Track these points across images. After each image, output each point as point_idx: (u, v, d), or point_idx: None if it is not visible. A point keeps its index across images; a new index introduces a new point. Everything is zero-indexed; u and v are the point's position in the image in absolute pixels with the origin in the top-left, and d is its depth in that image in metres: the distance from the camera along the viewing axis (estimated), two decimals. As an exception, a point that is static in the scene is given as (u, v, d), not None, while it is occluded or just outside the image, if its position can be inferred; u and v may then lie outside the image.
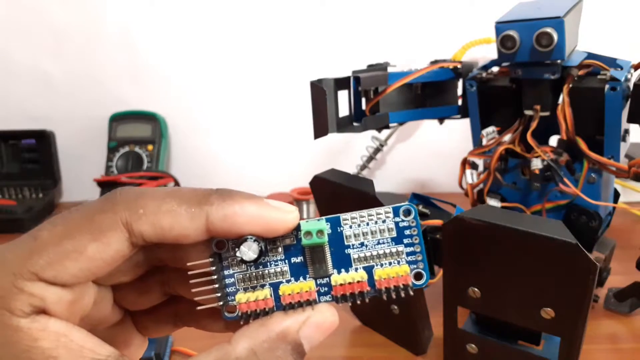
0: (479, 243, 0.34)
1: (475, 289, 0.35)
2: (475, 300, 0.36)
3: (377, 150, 0.78)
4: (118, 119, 0.83)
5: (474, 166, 0.52)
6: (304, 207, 0.75)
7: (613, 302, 0.49)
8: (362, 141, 0.77)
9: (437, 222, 0.41)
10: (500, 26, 0.44)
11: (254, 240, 0.19)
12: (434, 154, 0.83)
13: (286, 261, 0.20)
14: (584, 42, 0.48)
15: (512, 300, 0.34)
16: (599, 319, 0.48)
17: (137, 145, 0.82)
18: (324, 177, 0.44)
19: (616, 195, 0.51)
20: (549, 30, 0.42)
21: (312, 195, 0.49)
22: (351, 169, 0.78)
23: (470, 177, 0.51)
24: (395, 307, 0.44)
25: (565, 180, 0.44)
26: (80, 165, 0.88)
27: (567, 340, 0.33)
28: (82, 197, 0.88)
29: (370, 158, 0.78)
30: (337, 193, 0.44)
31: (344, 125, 0.46)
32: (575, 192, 0.44)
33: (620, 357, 0.44)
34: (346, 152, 0.81)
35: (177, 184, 0.82)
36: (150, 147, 0.82)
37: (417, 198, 0.46)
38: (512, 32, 0.43)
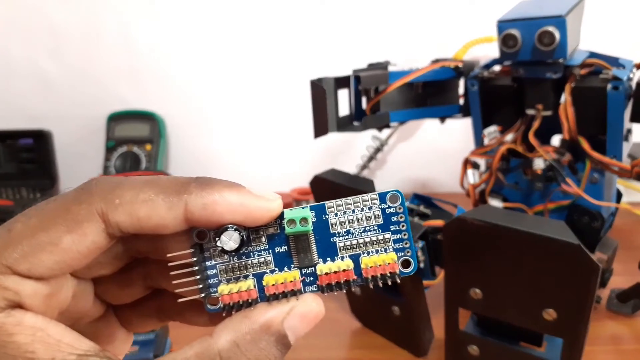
0: (481, 244, 0.33)
1: (477, 290, 0.35)
2: (477, 301, 0.35)
3: (378, 150, 0.77)
4: (116, 118, 0.83)
5: (475, 166, 0.52)
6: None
7: (615, 303, 0.49)
8: (362, 141, 0.77)
9: (439, 222, 0.41)
10: (502, 25, 0.43)
11: (235, 230, 0.19)
12: (435, 153, 0.82)
13: (270, 251, 0.20)
14: (586, 41, 0.48)
15: (514, 301, 0.34)
16: (602, 320, 0.48)
17: (135, 145, 0.82)
18: (324, 177, 0.44)
19: (619, 195, 0.51)
20: (550, 29, 0.41)
21: (312, 195, 0.49)
22: (351, 169, 0.78)
23: (472, 177, 0.50)
24: (396, 308, 0.44)
25: (568, 180, 0.44)
26: (78, 165, 0.87)
27: (569, 342, 0.33)
28: (80, 197, 0.87)
29: (371, 158, 0.78)
30: (337, 193, 0.44)
31: (344, 125, 0.46)
32: (578, 192, 0.44)
33: (622, 359, 0.43)
34: (346, 151, 0.81)
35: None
36: (148, 146, 0.82)
37: (418, 198, 0.45)
38: (513, 31, 0.43)
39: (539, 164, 0.45)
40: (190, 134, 0.87)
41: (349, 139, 0.80)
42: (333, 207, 0.20)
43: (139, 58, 0.83)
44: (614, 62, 0.44)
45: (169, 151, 0.87)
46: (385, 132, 0.73)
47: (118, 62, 0.84)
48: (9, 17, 0.82)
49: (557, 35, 0.41)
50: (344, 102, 0.46)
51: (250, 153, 0.87)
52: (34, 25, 0.82)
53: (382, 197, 0.20)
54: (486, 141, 0.50)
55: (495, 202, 0.49)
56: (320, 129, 0.44)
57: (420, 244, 0.42)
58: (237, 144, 0.87)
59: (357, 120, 0.47)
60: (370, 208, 0.20)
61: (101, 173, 0.80)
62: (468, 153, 0.52)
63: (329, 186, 0.44)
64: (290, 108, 0.83)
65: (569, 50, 0.43)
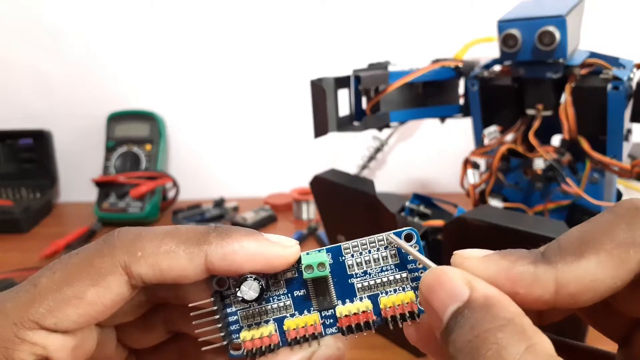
0: (481, 244, 0.33)
1: (477, 291, 0.35)
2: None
3: (378, 149, 0.77)
4: (116, 118, 0.83)
5: (475, 166, 0.52)
6: (304, 207, 0.75)
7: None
8: (362, 141, 0.77)
9: (439, 222, 0.41)
10: (503, 24, 0.43)
11: (254, 279, 0.19)
12: (435, 153, 0.82)
13: (289, 295, 0.20)
14: (586, 41, 0.48)
15: (515, 301, 0.34)
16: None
17: (135, 145, 0.82)
18: (324, 177, 0.44)
19: (619, 195, 0.51)
20: (551, 28, 0.41)
21: (312, 195, 0.49)
22: (351, 168, 0.78)
23: (472, 177, 0.50)
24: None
25: (568, 180, 0.44)
26: (78, 165, 0.87)
27: (570, 343, 0.33)
28: (79, 197, 0.87)
29: (371, 158, 0.78)
30: (337, 193, 0.44)
31: (345, 125, 0.46)
32: (578, 192, 0.44)
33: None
34: (346, 151, 0.81)
35: (175, 184, 0.82)
36: (148, 146, 0.82)
37: (418, 198, 0.45)
38: (514, 31, 0.43)
39: (539, 164, 0.45)
40: (190, 134, 0.87)
41: (349, 139, 0.80)
42: (349, 249, 0.20)
43: (139, 58, 0.83)
44: (614, 62, 0.44)
45: (169, 151, 0.87)
46: (385, 132, 0.73)
47: (118, 62, 0.84)
48: (9, 17, 0.82)
49: (558, 35, 0.41)
50: (344, 102, 0.46)
51: (250, 153, 0.87)
52: (34, 26, 0.82)
53: (398, 236, 0.20)
54: (486, 141, 0.49)
55: (495, 202, 0.49)
56: (320, 129, 0.44)
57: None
58: (237, 144, 0.87)
59: (357, 120, 0.47)
60: (386, 248, 0.20)
61: (101, 173, 0.80)
62: (468, 153, 0.52)
63: (329, 186, 0.44)
64: (290, 108, 0.83)
65: (569, 50, 0.43)
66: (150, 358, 0.23)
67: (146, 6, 0.81)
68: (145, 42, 0.83)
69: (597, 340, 0.19)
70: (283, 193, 0.83)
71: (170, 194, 0.84)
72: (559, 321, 0.18)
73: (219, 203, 0.79)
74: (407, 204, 0.45)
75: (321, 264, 0.19)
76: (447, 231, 0.38)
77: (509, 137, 0.49)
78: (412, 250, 0.19)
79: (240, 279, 0.19)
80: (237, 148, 0.87)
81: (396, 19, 0.79)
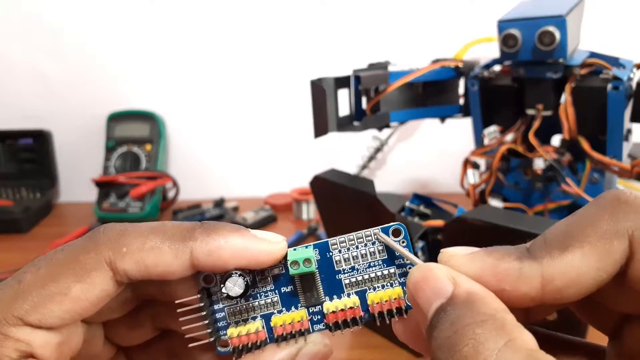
0: (481, 244, 0.33)
1: (477, 291, 0.35)
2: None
3: (378, 149, 0.77)
4: (116, 118, 0.83)
5: (475, 166, 0.52)
6: (304, 207, 0.75)
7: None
8: (362, 141, 0.77)
9: (439, 222, 0.41)
10: (503, 24, 0.43)
11: (239, 275, 0.19)
12: (435, 153, 0.82)
13: (276, 291, 0.20)
14: (586, 41, 0.48)
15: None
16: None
17: (135, 145, 0.82)
18: (324, 177, 0.44)
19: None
20: (551, 29, 0.41)
21: (312, 195, 0.49)
22: (351, 168, 0.78)
23: (472, 177, 0.50)
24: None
25: (568, 180, 0.44)
26: (78, 165, 0.87)
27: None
28: (79, 198, 0.87)
29: (371, 158, 0.78)
30: (337, 193, 0.44)
31: (345, 125, 0.46)
32: (578, 192, 0.44)
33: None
34: (347, 151, 0.81)
35: (175, 184, 0.82)
36: (148, 146, 0.82)
37: (418, 198, 0.45)
38: (514, 31, 0.43)
39: (539, 164, 0.45)
40: (190, 134, 0.87)
41: (349, 139, 0.80)
42: (337, 244, 0.20)
43: (139, 58, 0.83)
44: (614, 62, 0.44)
45: (169, 151, 0.87)
46: (385, 132, 0.73)
47: (118, 62, 0.84)
48: (9, 17, 0.82)
49: (557, 35, 0.41)
50: (344, 102, 0.46)
51: (250, 153, 0.87)
52: (33, 26, 0.82)
53: (385, 231, 0.20)
54: (486, 141, 0.50)
55: (495, 202, 0.49)
56: (320, 129, 0.44)
57: (420, 244, 0.42)
58: (237, 144, 0.87)
59: (357, 120, 0.47)
60: (373, 243, 0.20)
61: (101, 173, 0.80)
62: (468, 153, 0.52)
63: (329, 186, 0.44)
64: (290, 108, 0.83)
65: (569, 50, 0.43)
66: (138, 355, 0.23)
67: (146, 6, 0.81)
68: (145, 42, 0.83)
69: (597, 335, 0.19)
70: (283, 193, 0.83)
71: (170, 194, 0.84)
72: (549, 317, 0.18)
73: (219, 203, 0.79)
74: (407, 204, 0.45)
75: (307, 260, 0.19)
76: (447, 231, 0.38)
77: (509, 137, 0.49)
78: (399, 247, 0.19)
79: (225, 275, 0.19)
80: (237, 148, 0.87)
81: (396, 19, 0.79)
